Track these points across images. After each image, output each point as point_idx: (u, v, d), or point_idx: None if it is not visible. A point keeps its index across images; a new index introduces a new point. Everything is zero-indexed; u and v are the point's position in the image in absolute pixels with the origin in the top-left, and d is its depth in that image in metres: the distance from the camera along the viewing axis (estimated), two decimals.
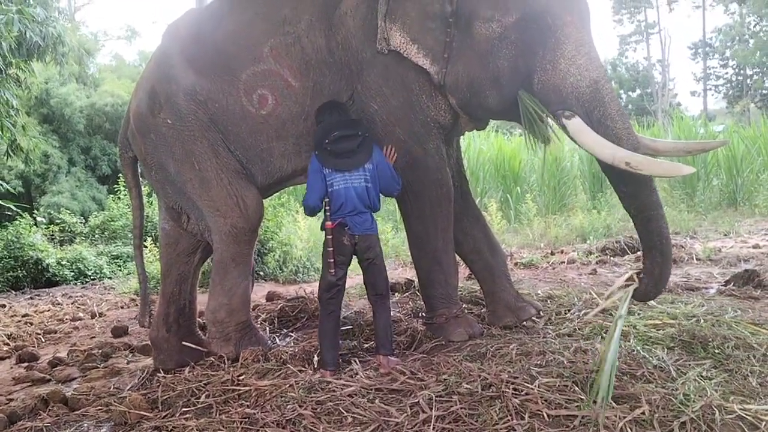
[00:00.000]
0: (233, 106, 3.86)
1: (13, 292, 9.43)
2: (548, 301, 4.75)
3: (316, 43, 3.80)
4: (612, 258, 6.80)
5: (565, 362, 3.15)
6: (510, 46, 3.48)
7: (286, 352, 3.73)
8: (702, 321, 3.80)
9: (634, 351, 3.31)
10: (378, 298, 3.59)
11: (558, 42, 3.36)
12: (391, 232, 8.97)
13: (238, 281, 3.90)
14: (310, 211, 3.64)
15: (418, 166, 3.80)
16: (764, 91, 32.93)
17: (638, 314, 4.08)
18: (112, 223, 11.74)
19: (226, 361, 3.76)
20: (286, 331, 4.57)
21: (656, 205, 3.35)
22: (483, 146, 11.89)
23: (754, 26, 33.20)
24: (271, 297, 6.02)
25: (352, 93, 3.85)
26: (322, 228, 3.54)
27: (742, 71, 34.71)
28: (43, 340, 5.70)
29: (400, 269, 7.57)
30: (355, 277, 6.83)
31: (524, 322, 4.06)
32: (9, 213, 10.49)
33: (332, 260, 3.47)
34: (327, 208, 3.49)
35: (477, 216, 4.42)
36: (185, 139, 3.87)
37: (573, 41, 3.36)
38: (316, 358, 3.57)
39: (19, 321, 6.76)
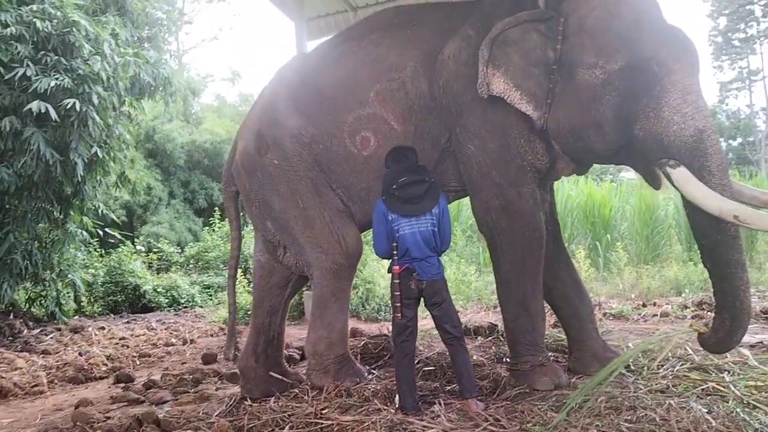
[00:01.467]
0: (337, 148, 4.01)
1: (112, 315, 10.01)
2: (639, 355, 4.56)
3: (420, 88, 3.92)
4: (709, 313, 6.43)
5: (658, 419, 3.01)
6: (613, 93, 3.44)
7: (369, 389, 3.75)
8: None
9: (733, 413, 3.12)
10: (453, 340, 3.56)
11: (663, 90, 3.29)
12: (474, 274, 8.88)
13: (338, 316, 4.01)
14: (383, 255, 3.70)
15: (511, 210, 3.80)
16: None
17: (738, 374, 3.85)
18: (206, 254, 12.29)
19: (310, 393, 3.83)
20: (368, 368, 4.60)
21: (735, 264, 3.22)
22: (572, 192, 11.64)
23: None
24: (353, 333, 6.08)
25: (450, 135, 3.92)
26: (389, 271, 3.58)
27: None
28: (138, 362, 6.01)
29: (482, 312, 7.47)
30: None
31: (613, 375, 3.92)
32: (112, 240, 11.18)
33: (399, 304, 3.48)
34: (394, 252, 3.51)
35: (567, 262, 4.36)
36: (290, 178, 4.05)
37: (679, 89, 3.28)
38: (397, 398, 3.58)
39: (117, 343, 7.16)
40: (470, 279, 8.70)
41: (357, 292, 7.88)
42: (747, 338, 5.11)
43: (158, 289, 10.60)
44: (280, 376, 4.24)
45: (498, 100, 3.70)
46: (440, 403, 3.51)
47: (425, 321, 6.67)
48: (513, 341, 3.97)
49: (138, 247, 12.86)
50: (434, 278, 3.53)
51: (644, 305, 7.19)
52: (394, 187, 3.54)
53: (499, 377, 3.87)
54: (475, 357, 4.48)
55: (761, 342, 4.89)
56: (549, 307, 4.30)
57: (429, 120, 3.93)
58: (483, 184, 3.83)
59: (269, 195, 4.15)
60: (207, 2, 30.15)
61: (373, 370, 4.48)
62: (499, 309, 5.90)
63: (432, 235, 3.53)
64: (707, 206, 3.13)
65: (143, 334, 7.80)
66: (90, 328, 8.24)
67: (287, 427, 3.33)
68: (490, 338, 5.38)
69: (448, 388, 3.87)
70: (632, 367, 4.09)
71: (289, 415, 3.49)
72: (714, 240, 3.25)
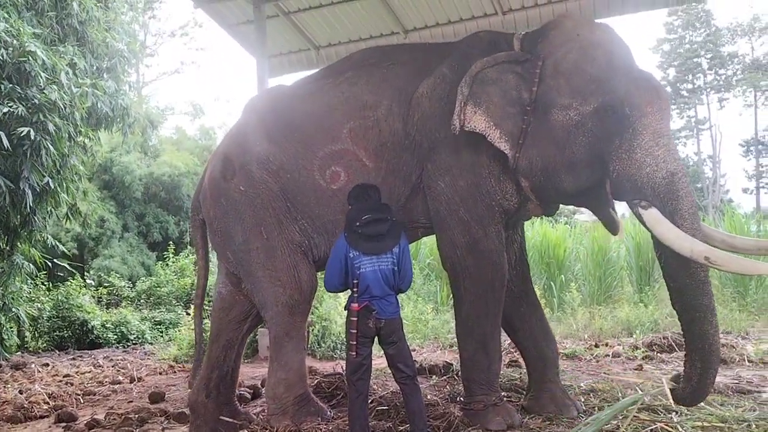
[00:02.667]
0: (305, 179, 4.03)
1: (57, 351, 9.64)
2: (590, 395, 4.61)
3: (394, 126, 3.97)
4: (659, 354, 6.56)
5: None
6: (587, 134, 3.55)
7: (320, 429, 3.69)
8: (753, 426, 3.61)
9: None
10: (406, 380, 3.54)
11: (635, 132, 3.41)
12: (431, 313, 8.88)
13: (293, 355, 3.95)
14: (332, 290, 3.70)
15: (477, 248, 3.84)
16: None
17: (686, 414, 3.91)
18: (158, 288, 12.00)
19: None
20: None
21: (703, 308, 3.32)
22: (528, 232, 11.79)
23: None
24: (308, 372, 5.99)
25: (421, 171, 3.97)
26: (346, 308, 3.56)
27: None
28: (82, 401, 5.78)
29: (439, 351, 7.45)
30: None
31: (564, 416, 3.95)
32: (61, 274, 10.83)
33: (355, 342, 3.45)
34: (354, 289, 3.49)
35: (535, 303, 4.42)
36: (255, 206, 4.04)
37: (651, 132, 3.40)
38: None
39: (61, 381, 6.89)
40: (427, 318, 8.68)
41: (313, 330, 7.77)
42: None
43: (107, 325, 10.27)
44: (229, 419, 4.13)
45: (471, 139, 3.76)
46: None
47: (380, 360, 6.62)
48: (468, 379, 3.97)
49: (88, 281, 12.48)
50: (392, 317, 3.53)
51: (596, 345, 7.28)
52: (357, 224, 3.55)
53: (452, 417, 3.86)
54: (429, 396, 4.46)
55: None
56: (514, 346, 4.31)
57: (401, 157, 3.98)
58: (450, 221, 3.87)
59: (232, 224, 4.11)
60: (170, 36, 30.11)
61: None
62: (454, 348, 5.92)
63: (392, 273, 3.54)
64: (679, 247, 3.21)
65: (89, 372, 7.52)
66: (33, 365, 7.91)
67: None
68: (444, 377, 5.36)
69: (401, 428, 3.83)
70: (584, 407, 4.13)
71: None
72: (683, 283, 3.35)
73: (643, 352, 6.70)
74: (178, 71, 30.26)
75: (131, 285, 12.92)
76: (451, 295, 4.21)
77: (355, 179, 3.94)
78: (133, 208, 15.58)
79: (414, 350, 7.35)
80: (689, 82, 38.24)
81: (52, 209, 8.11)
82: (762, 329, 8.40)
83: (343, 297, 8.46)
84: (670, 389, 3.52)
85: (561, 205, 4.48)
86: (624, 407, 3.58)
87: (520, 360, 5.79)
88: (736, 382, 5.14)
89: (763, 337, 7.68)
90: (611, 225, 3.80)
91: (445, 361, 5.83)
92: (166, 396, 5.61)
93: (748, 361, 6.11)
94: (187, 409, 4.62)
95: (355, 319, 3.46)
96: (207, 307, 6.63)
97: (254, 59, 7.71)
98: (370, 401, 4.21)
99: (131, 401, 5.63)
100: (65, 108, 7.15)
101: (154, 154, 17.13)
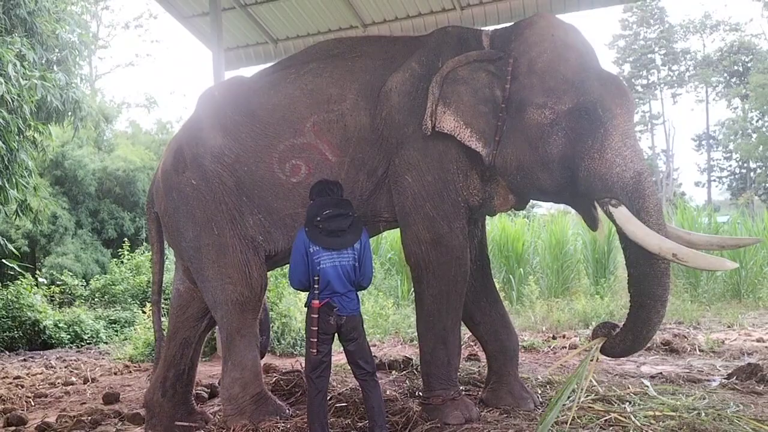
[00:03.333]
0: (263, 172, 3.96)
1: (7, 352, 9.35)
2: (547, 387, 4.68)
3: (360, 121, 3.93)
4: None
5: None
6: (560, 133, 3.60)
7: (279, 428, 3.65)
8: (703, 414, 3.71)
9: None
10: (366, 376, 3.52)
11: (607, 133, 3.48)
12: (392, 308, 8.90)
13: (245, 353, 3.89)
14: (298, 287, 3.63)
15: (441, 244, 3.84)
16: (767, 185, 33.28)
17: (638, 404, 4.00)
18: (113, 287, 11.72)
19: None
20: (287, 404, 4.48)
21: (656, 297, 3.42)
22: (487, 226, 11.91)
23: (757, 121, 33.94)
24: (266, 369, 5.92)
25: (388, 166, 3.95)
26: (307, 305, 3.52)
27: (745, 164, 35.24)
28: (32, 403, 5.61)
29: (399, 346, 7.47)
30: None
31: (522, 409, 4.00)
32: (11, 273, 10.50)
33: (315, 339, 3.41)
34: (315, 286, 3.46)
35: (496, 298, 4.45)
36: (207, 201, 3.96)
37: (620, 133, 3.49)
38: None
39: (11, 383, 6.68)
40: (388, 312, 8.70)
41: (273, 327, 7.70)
42: (647, 369, 5.37)
43: (59, 325, 9.97)
44: (185, 422, 4.06)
45: (440, 135, 3.75)
46: None
47: (339, 356, 6.61)
48: (427, 374, 3.98)
49: (40, 280, 12.09)
50: (353, 313, 3.50)
51: (554, 338, 7.41)
52: (318, 219, 3.50)
53: (411, 412, 3.86)
54: (388, 392, 4.45)
55: (660, 373, 5.13)
56: (474, 340, 4.34)
57: (367, 151, 3.94)
58: (416, 216, 3.87)
59: (183, 219, 4.02)
60: (124, 28, 29.47)
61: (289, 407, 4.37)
62: (414, 343, 5.94)
63: (353, 269, 3.51)
64: (648, 244, 3.31)
65: (41, 373, 7.31)
66: None
67: None
68: (404, 372, 5.37)
69: (360, 424, 3.82)
70: (540, 399, 4.19)
71: None
72: (643, 271, 3.45)
73: None
74: (132, 64, 29.84)
75: (85, 283, 12.58)
76: (412, 290, 4.21)
77: (316, 173, 3.90)
78: (87, 204, 15.17)
79: (374, 345, 7.35)
80: (644, 78, 39.23)
81: (1, 206, 7.84)
82: (713, 319, 8.66)
83: (304, 294, 8.43)
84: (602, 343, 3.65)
85: None
86: (564, 399, 3.64)
87: (479, 353, 5.86)
88: (687, 371, 5.29)
89: (713, 327, 7.92)
90: (592, 222, 3.85)
91: (405, 356, 5.84)
92: (120, 396, 5.49)
93: (699, 350, 6.29)
94: (142, 409, 4.53)
95: (316, 316, 3.42)
96: (165, 305, 6.52)
97: (210, 52, 7.58)
98: (329, 398, 4.19)
99: (84, 402, 5.49)
100: (13, 101, 6.91)
101: (108, 148, 16.71)
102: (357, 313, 3.55)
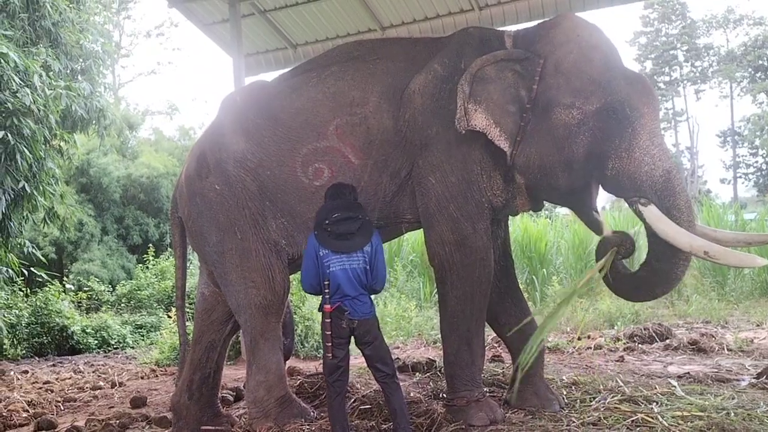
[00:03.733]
0: (286, 176, 3.99)
1: (37, 358, 9.51)
2: (573, 388, 4.63)
3: (383, 123, 3.95)
4: (640, 345, 6.63)
5: None
6: (587, 133, 3.60)
7: (302, 430, 3.67)
8: (732, 414, 3.65)
9: None
10: (386, 378, 3.52)
11: (635, 132, 3.49)
12: (414, 310, 8.89)
13: (270, 356, 3.93)
14: (310, 291, 3.62)
15: (465, 245, 3.84)
16: None
17: (666, 405, 3.95)
18: (138, 292, 11.87)
19: None
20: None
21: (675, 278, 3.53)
22: (509, 227, 11.85)
23: None
24: (290, 372, 5.95)
25: (411, 168, 3.95)
26: (320, 310, 3.52)
27: None
28: (62, 408, 5.71)
29: (422, 348, 7.46)
30: None
31: (547, 410, 3.97)
32: (40, 279, 10.69)
33: (330, 344, 3.42)
34: (326, 290, 3.46)
35: (520, 297, 4.44)
36: (230, 206, 3.99)
37: (648, 132, 3.50)
38: None
39: (40, 388, 6.79)
40: (411, 315, 8.69)
41: (296, 330, 7.74)
42: (674, 369, 5.30)
43: (87, 330, 10.13)
44: (211, 425, 4.10)
45: (464, 135, 3.76)
46: None
47: (361, 358, 6.62)
48: (451, 375, 3.97)
49: (67, 286, 12.29)
50: (365, 317, 3.50)
51: (579, 338, 7.33)
52: (327, 222, 3.52)
53: (435, 414, 3.86)
54: (412, 393, 4.46)
55: (688, 373, 5.05)
56: (497, 341, 4.32)
57: (390, 153, 3.95)
58: (440, 217, 3.87)
59: (207, 224, 4.06)
60: (145, 36, 29.87)
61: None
62: (438, 344, 5.92)
63: (364, 273, 3.50)
64: (679, 242, 3.33)
65: (69, 378, 7.42)
66: (12, 372, 7.79)
67: None
68: (428, 374, 5.36)
69: (384, 426, 3.82)
70: (565, 401, 4.15)
71: None
72: (664, 267, 3.51)
73: (624, 343, 6.77)
74: (154, 72, 30.26)
75: (111, 289, 12.76)
76: (435, 292, 4.21)
77: (339, 176, 3.92)
78: (112, 211, 15.40)
79: (397, 348, 7.35)
80: (666, 75, 38.69)
81: (29, 213, 7.98)
82: (741, 318, 8.51)
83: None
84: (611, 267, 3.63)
85: None
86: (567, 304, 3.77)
87: (503, 355, 5.83)
88: (716, 371, 5.21)
89: (741, 326, 7.79)
90: (594, 226, 3.85)
91: (428, 358, 5.83)
92: (147, 400, 5.55)
93: (728, 350, 6.19)
94: (169, 413, 4.58)
95: (329, 320, 3.43)
96: (189, 309, 6.59)
97: (230, 58, 7.65)
98: (353, 400, 4.20)
99: (112, 407, 5.57)
100: (39, 111, 7.03)
101: (132, 155, 16.96)
102: (370, 316, 3.53)
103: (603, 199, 3.95)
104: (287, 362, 4.87)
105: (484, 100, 3.72)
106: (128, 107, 25.39)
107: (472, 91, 3.73)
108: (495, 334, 5.18)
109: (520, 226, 11.48)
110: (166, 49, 57.64)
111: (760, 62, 35.30)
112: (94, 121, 8.98)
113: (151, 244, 13.87)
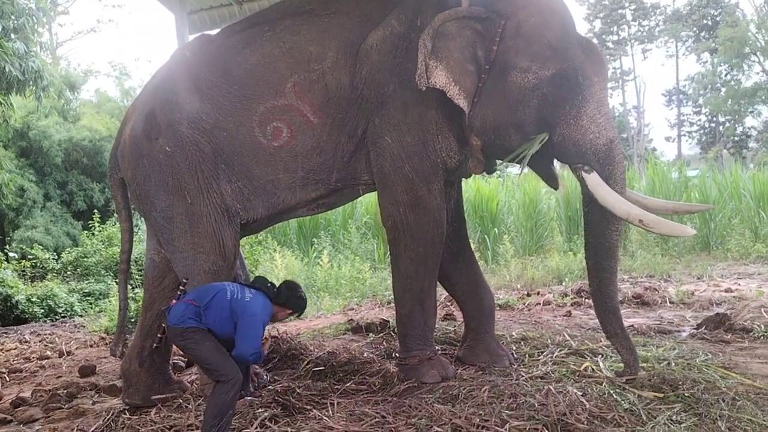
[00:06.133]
0: (243, 136, 3.85)
1: None
2: (522, 343, 4.74)
3: (341, 80, 3.84)
4: (587, 300, 6.80)
5: (537, 405, 3.15)
6: (540, 98, 3.59)
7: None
8: (673, 364, 3.81)
9: (605, 394, 3.31)
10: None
11: (584, 100, 3.51)
12: (368, 271, 8.92)
13: None
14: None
15: (419, 205, 3.84)
16: (736, 138, 33.78)
17: (611, 357, 4.08)
18: (85, 259, 11.52)
19: (193, 402, 3.68)
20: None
21: (610, 269, 3.64)
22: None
23: (725, 75, 34.21)
24: None
25: (366, 126, 3.89)
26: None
27: (714, 118, 35.65)
28: (7, 379, 5.54)
29: (376, 309, 7.50)
30: (330, 316, 6.79)
31: (497, 366, 4.06)
32: None
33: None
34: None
35: (472, 258, 4.49)
36: (181, 169, 3.84)
37: (596, 101, 3.52)
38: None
39: None
40: (365, 276, 8.72)
41: None
42: None
43: (32, 299, 9.82)
44: (162, 396, 4.02)
45: (420, 95, 3.70)
46: (330, 403, 3.48)
47: (318, 320, 6.63)
48: (404, 335, 4.01)
49: (10, 254, 11.87)
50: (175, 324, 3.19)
51: (528, 295, 7.50)
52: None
53: (388, 373, 3.90)
54: (365, 354, 4.49)
55: (632, 325, 5.22)
56: (450, 300, 4.37)
57: (348, 111, 3.87)
58: (395, 178, 3.84)
59: (154, 188, 3.90)
60: None
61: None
62: (391, 305, 5.96)
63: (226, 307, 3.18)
64: (617, 210, 3.42)
65: (14, 348, 7.21)
66: None
67: None
68: (381, 335, 5.40)
69: (337, 386, 3.84)
70: (515, 356, 4.25)
71: (170, 427, 3.34)
72: (598, 242, 3.65)
73: (572, 299, 6.95)
74: (94, 30, 28.74)
75: (56, 256, 12.37)
76: (389, 253, 4.21)
77: (298, 135, 3.84)
78: (55, 176, 14.84)
79: (352, 309, 7.38)
80: (614, 34, 39.13)
81: None
82: (683, 272, 8.84)
83: (280, 260, 8.42)
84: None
85: None
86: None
87: (455, 313, 5.92)
88: (658, 323, 5.41)
89: (683, 279, 8.09)
90: (552, 180, 3.90)
91: (382, 319, 5.87)
92: (97, 369, 5.44)
93: (670, 302, 6.43)
94: (118, 381, 4.50)
95: None
96: (138, 276, 6.42)
97: (173, 15, 7.35)
98: (306, 362, 4.22)
99: (60, 376, 5.44)
100: None
101: (75, 118, 16.29)
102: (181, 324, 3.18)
103: None
104: None
105: (445, 58, 3.66)
106: (69, 67, 24.34)
107: (434, 47, 3.65)
108: (447, 294, 5.25)
109: (473, 186, 11.58)
110: (106, 6, 55.16)
111: (705, 22, 36.02)
112: (30, 83, 8.55)
113: (96, 210, 13.42)
